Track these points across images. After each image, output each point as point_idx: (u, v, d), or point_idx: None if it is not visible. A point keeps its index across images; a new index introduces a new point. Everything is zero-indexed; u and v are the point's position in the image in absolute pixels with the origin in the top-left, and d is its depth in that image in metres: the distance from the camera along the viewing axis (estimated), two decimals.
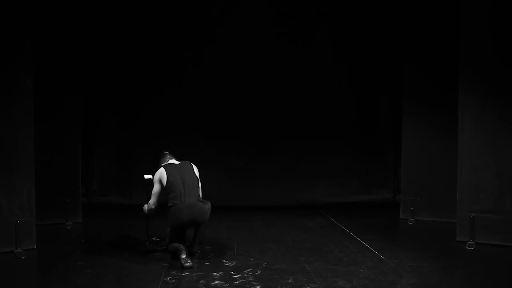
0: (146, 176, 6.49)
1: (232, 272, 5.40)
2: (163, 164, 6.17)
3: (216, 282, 5.10)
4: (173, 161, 6.23)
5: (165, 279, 5.19)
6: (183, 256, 5.54)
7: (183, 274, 5.34)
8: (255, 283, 5.05)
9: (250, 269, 5.51)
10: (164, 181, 5.93)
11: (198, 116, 9.42)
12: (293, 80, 9.54)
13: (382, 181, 9.85)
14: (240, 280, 5.14)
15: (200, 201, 5.97)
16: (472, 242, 6.49)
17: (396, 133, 9.11)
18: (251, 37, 9.40)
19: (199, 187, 6.08)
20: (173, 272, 5.40)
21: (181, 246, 5.68)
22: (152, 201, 6.09)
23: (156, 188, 6.02)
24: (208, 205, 5.96)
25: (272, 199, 9.46)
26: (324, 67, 9.59)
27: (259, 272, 5.41)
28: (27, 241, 6.23)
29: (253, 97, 9.45)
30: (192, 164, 6.18)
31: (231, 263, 5.74)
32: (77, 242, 6.90)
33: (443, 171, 7.84)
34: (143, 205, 6.25)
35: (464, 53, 6.67)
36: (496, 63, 6.46)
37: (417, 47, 8.15)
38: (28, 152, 6.29)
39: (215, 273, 5.36)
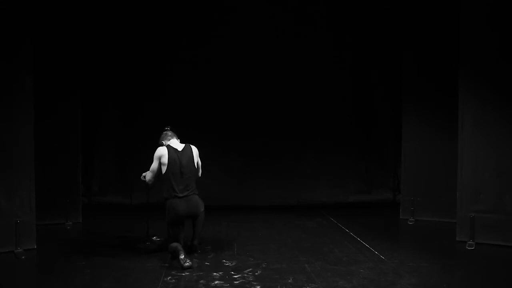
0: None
1: (232, 272, 5.40)
2: (165, 143, 6.12)
3: (216, 282, 5.10)
4: (175, 141, 6.14)
5: (165, 279, 5.19)
6: (182, 257, 5.53)
7: (183, 274, 5.34)
8: (255, 283, 5.05)
9: (250, 269, 5.51)
10: (165, 167, 5.90)
11: (198, 117, 9.39)
12: (294, 80, 9.53)
13: (382, 181, 9.85)
14: (240, 280, 5.14)
15: (196, 193, 5.99)
16: (472, 242, 6.49)
17: (396, 133, 9.12)
18: (251, 38, 9.39)
19: (196, 177, 6.09)
20: (173, 272, 5.40)
21: (180, 246, 5.68)
22: (149, 176, 6.03)
23: (155, 164, 5.96)
24: (200, 199, 6.03)
25: (272, 199, 9.46)
26: (324, 68, 9.59)
27: (259, 272, 5.41)
28: (27, 241, 6.23)
29: (254, 97, 9.45)
30: (193, 151, 6.12)
31: (231, 263, 5.74)
32: (77, 242, 6.91)
33: (443, 171, 7.84)
34: (142, 174, 6.19)
35: (464, 52, 6.66)
36: (496, 62, 6.46)
37: (417, 47, 8.15)
38: (28, 152, 6.29)
39: (215, 273, 5.36)
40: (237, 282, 5.10)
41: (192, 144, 6.21)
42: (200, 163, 6.24)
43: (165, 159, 5.92)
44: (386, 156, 9.82)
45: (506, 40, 6.37)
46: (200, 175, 6.31)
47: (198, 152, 6.20)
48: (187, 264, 5.48)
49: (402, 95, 8.47)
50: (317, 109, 9.63)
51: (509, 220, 6.36)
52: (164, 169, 5.92)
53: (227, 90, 9.44)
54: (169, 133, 6.21)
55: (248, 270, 5.47)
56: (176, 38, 9.43)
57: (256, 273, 5.36)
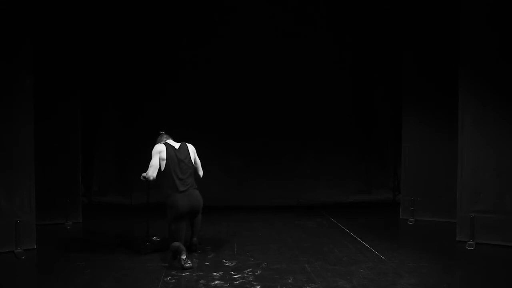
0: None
1: (232, 272, 5.41)
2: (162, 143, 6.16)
3: (216, 282, 5.10)
4: (171, 140, 6.22)
5: (165, 279, 5.20)
6: (184, 257, 5.54)
7: (183, 274, 5.35)
8: (255, 283, 5.06)
9: (250, 269, 5.51)
10: (164, 163, 5.93)
11: (198, 117, 9.40)
12: (294, 80, 9.53)
13: (382, 181, 9.85)
14: (240, 280, 5.15)
15: (196, 188, 6.05)
16: (472, 242, 6.49)
17: (396, 133, 9.12)
18: (251, 38, 9.39)
19: (193, 173, 6.13)
20: (173, 272, 5.40)
21: (182, 246, 5.69)
22: (150, 172, 5.98)
23: (155, 160, 5.97)
24: (200, 195, 6.07)
25: (272, 199, 9.47)
26: (325, 68, 9.59)
27: (259, 272, 5.41)
28: (27, 241, 6.24)
29: (254, 97, 9.45)
30: (189, 148, 6.19)
31: (231, 263, 5.75)
32: (77, 242, 6.91)
33: (443, 171, 7.85)
34: (142, 174, 6.11)
35: (464, 52, 6.67)
36: (496, 62, 6.46)
37: (417, 47, 8.16)
38: (28, 152, 6.29)
39: (215, 273, 5.37)
40: (237, 282, 5.10)
41: (188, 143, 6.27)
42: (198, 161, 6.30)
43: (164, 155, 5.99)
44: (386, 156, 9.82)
45: (506, 40, 6.37)
46: (201, 176, 6.32)
47: (195, 150, 6.29)
48: (187, 264, 5.49)
49: (402, 95, 8.48)
50: (317, 109, 9.63)
51: (509, 220, 6.36)
52: (163, 164, 5.97)
53: (227, 90, 9.43)
54: (165, 135, 6.30)
55: (248, 270, 5.48)
56: (176, 38, 9.43)
57: (256, 273, 5.36)
